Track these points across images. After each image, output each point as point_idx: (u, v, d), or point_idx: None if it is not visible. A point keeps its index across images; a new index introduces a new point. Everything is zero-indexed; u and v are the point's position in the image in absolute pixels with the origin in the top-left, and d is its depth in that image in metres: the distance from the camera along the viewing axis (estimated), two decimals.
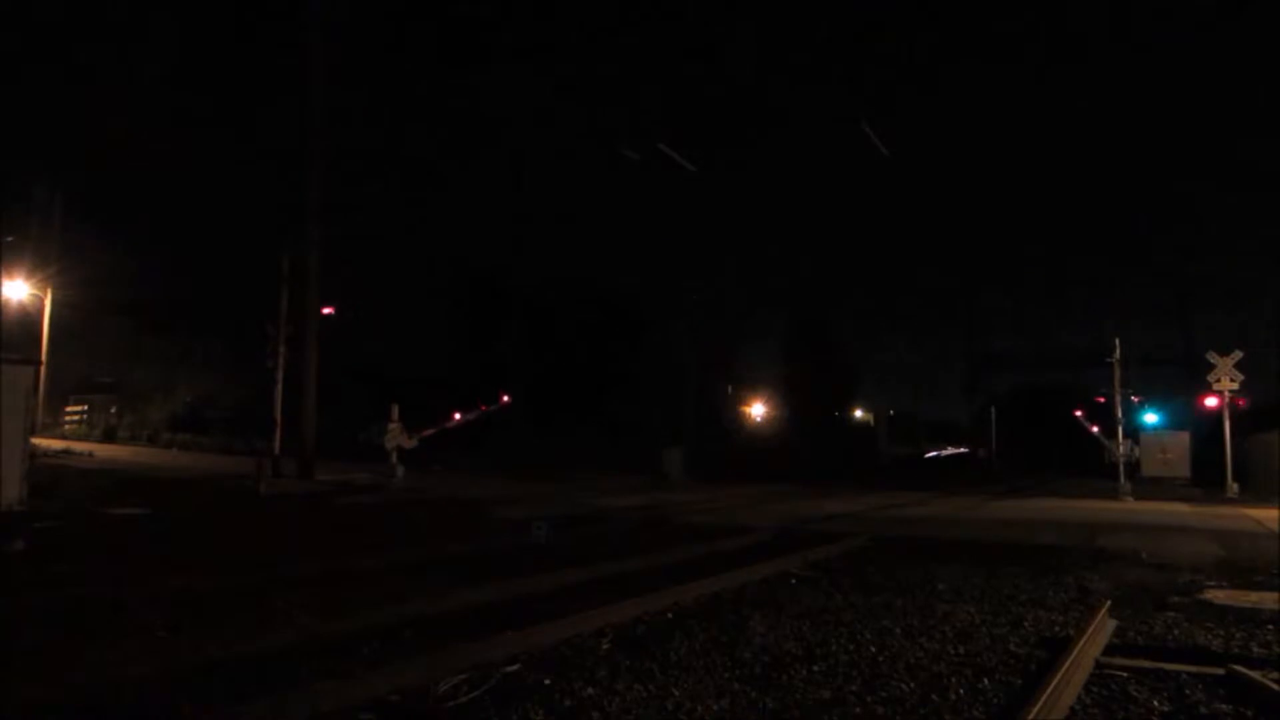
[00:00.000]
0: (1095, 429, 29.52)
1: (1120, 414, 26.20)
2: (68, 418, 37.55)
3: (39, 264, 35.56)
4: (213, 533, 11.89)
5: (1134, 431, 30.92)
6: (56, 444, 27.52)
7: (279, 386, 22.15)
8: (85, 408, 38.27)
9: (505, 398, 32.37)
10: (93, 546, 9.91)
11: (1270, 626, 6.53)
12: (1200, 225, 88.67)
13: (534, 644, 5.30)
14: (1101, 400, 36.20)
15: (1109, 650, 5.59)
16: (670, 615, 6.48)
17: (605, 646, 5.48)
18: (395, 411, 22.05)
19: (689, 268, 57.50)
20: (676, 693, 4.56)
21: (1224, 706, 4.52)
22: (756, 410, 56.01)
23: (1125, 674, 5.03)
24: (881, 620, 6.50)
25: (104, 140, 40.59)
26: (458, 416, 28.83)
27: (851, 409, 69.62)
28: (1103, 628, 6.13)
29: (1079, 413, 32.31)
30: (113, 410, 37.27)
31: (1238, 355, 23.07)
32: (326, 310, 24.06)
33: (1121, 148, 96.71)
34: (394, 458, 21.71)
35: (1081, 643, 5.41)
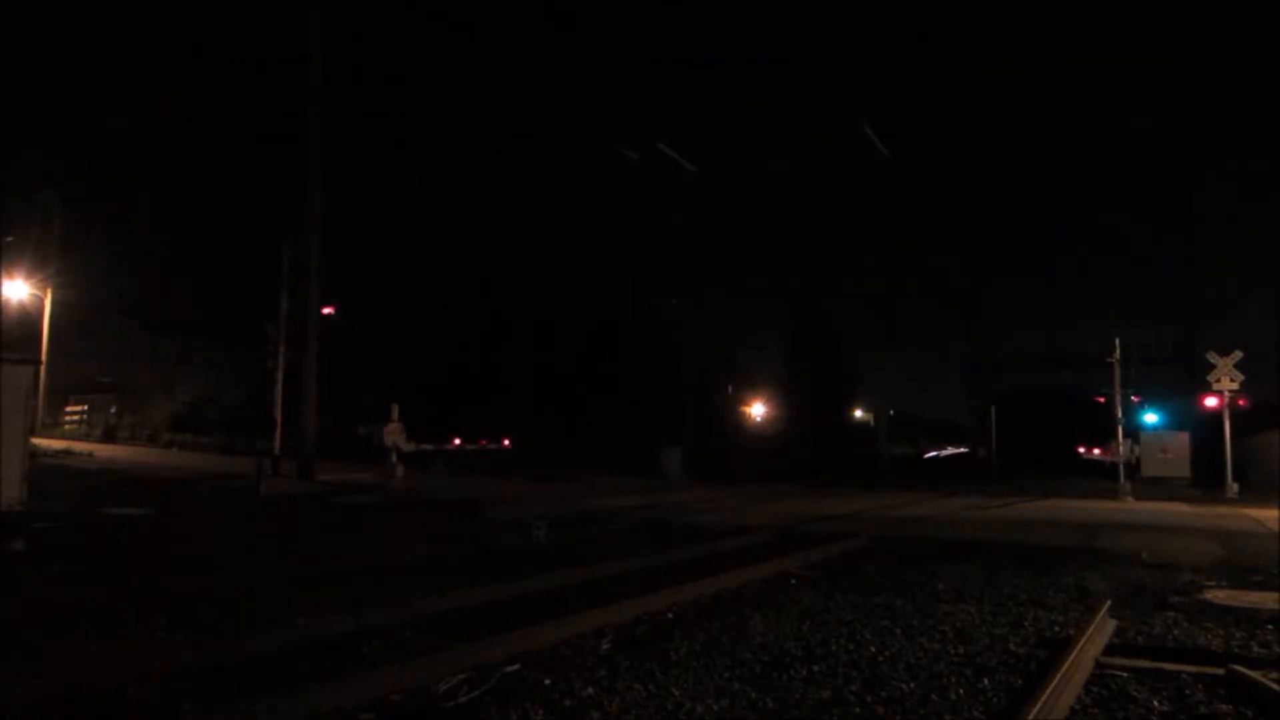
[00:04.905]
0: (1097, 451, 29.63)
1: (1120, 414, 26.19)
2: (68, 418, 37.50)
3: (39, 264, 35.56)
4: (213, 533, 11.89)
5: (1134, 431, 30.92)
6: (56, 444, 27.51)
7: (279, 386, 22.13)
8: (85, 408, 38.21)
9: (506, 441, 32.68)
10: (93, 546, 9.91)
11: (1270, 626, 6.53)
12: (1203, 226, 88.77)
13: (534, 644, 5.30)
14: (1101, 400, 36.23)
15: (1109, 650, 5.59)
16: (670, 615, 6.48)
17: (605, 646, 5.48)
18: (395, 411, 22.06)
19: (689, 268, 57.48)
20: (676, 693, 4.56)
21: (1224, 706, 4.52)
22: (756, 410, 55.97)
23: (1125, 674, 5.03)
24: (881, 620, 6.50)
25: (104, 140, 40.63)
26: (457, 441, 28.98)
27: (851, 409, 69.51)
28: (1103, 628, 6.13)
29: (1080, 448, 32.40)
30: (113, 410, 37.20)
31: (1238, 355, 23.05)
32: (326, 310, 24.04)
33: (1124, 148, 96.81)
34: (394, 458, 21.72)
35: (1081, 643, 5.41)
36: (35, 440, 17.01)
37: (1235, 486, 22.91)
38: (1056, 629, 6.33)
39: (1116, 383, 26.20)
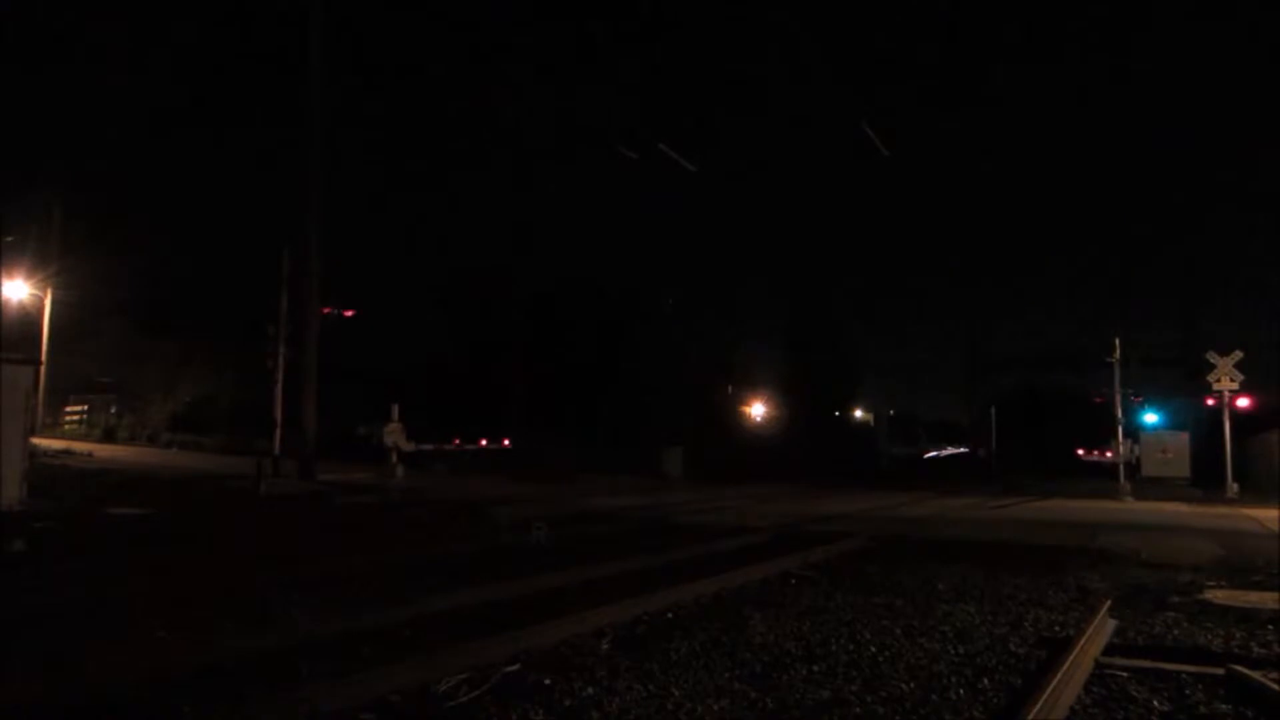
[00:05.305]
0: (1097, 454, 29.71)
1: (1120, 414, 26.19)
2: (68, 418, 37.46)
3: (39, 264, 35.53)
4: (212, 533, 11.88)
5: (1134, 432, 30.93)
6: (56, 444, 27.47)
7: (279, 386, 22.13)
8: (85, 408, 38.16)
9: (506, 441, 32.74)
10: (93, 546, 9.90)
11: (1270, 626, 6.53)
12: (1203, 225, 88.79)
13: (534, 644, 5.30)
14: (1101, 400, 36.27)
15: (1109, 650, 5.59)
16: (670, 615, 6.48)
17: (605, 646, 5.48)
18: (396, 411, 22.04)
19: (689, 267, 57.46)
20: (676, 693, 4.56)
21: (1224, 706, 4.52)
22: (756, 410, 55.91)
23: (1125, 674, 5.03)
24: (881, 620, 6.50)
25: (105, 139, 40.62)
26: (457, 441, 29.04)
27: (851, 409, 69.47)
28: (1103, 628, 6.13)
29: (1080, 451, 32.44)
30: (113, 410, 37.16)
31: (1238, 355, 23.07)
32: (326, 310, 24.02)
33: (1124, 148, 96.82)
34: (394, 458, 21.70)
35: (1081, 643, 5.41)
36: (35, 440, 17.02)
37: (1235, 486, 22.91)
38: (1056, 629, 6.32)
39: (1116, 383, 26.21)
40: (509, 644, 5.17)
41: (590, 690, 4.55)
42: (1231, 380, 22.98)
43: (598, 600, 6.58)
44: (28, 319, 34.39)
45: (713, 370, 49.48)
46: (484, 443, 35.19)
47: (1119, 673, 5.05)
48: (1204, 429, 30.22)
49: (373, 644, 5.38)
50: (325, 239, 23.15)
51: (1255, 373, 24.87)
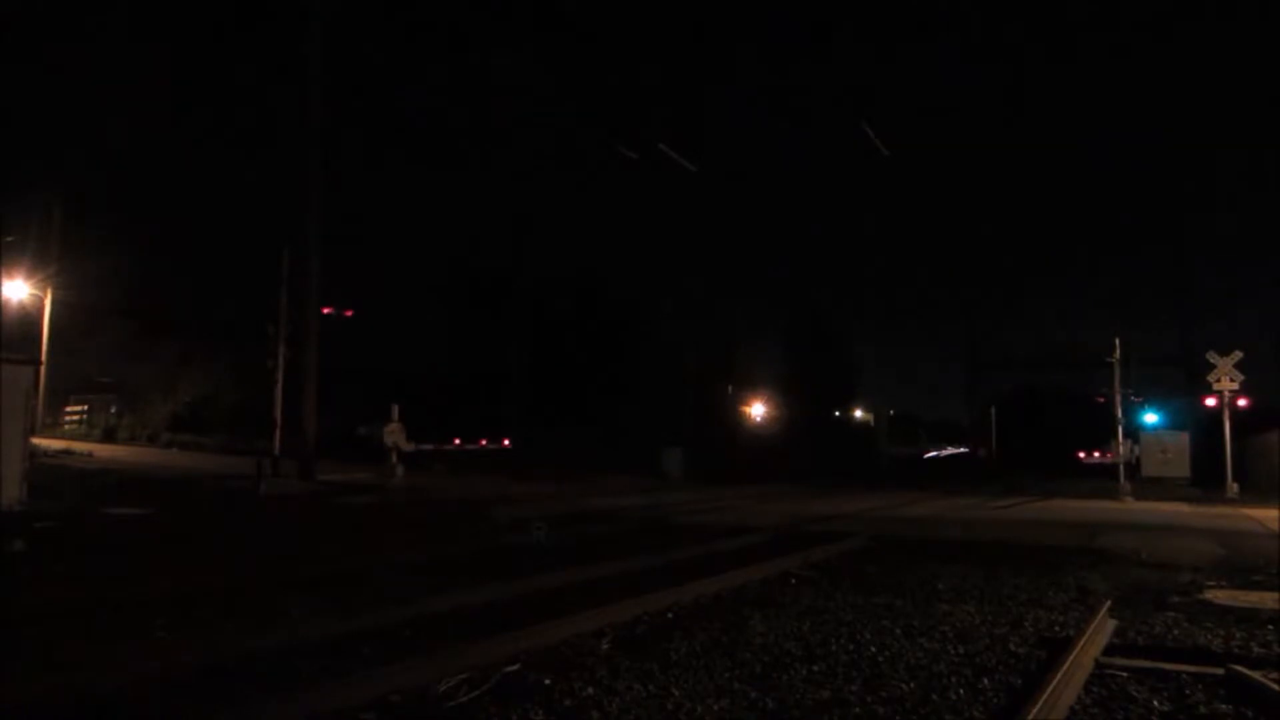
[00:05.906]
0: (1098, 455, 29.77)
1: (1120, 414, 26.19)
2: (68, 418, 37.46)
3: (39, 264, 35.53)
4: (212, 533, 11.89)
5: (1134, 432, 30.93)
6: (56, 444, 27.48)
7: (279, 386, 22.14)
8: (85, 408, 38.14)
9: (506, 441, 32.83)
10: (92, 546, 9.91)
11: (1270, 626, 6.52)
12: (1203, 225, 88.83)
13: (534, 644, 5.30)
14: (1102, 400, 36.29)
15: (1109, 650, 5.59)
16: (670, 615, 6.48)
17: (605, 646, 5.48)
18: (396, 412, 22.05)
19: (689, 268, 57.45)
20: (676, 693, 4.56)
21: (1224, 706, 4.52)
22: (756, 410, 55.87)
23: (1125, 674, 5.02)
24: (881, 620, 6.50)
25: (105, 139, 40.62)
26: (457, 441, 29.12)
27: (851, 409, 69.49)
28: (1103, 628, 6.13)
29: (1081, 454, 32.53)
30: (113, 410, 37.15)
31: (1238, 355, 23.08)
32: (327, 310, 24.02)
33: (1124, 147, 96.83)
34: (394, 458, 21.71)
35: (1081, 643, 5.41)
36: (35, 440, 17.01)
37: (1235, 486, 22.92)
38: (1057, 629, 6.32)
39: (1116, 383, 26.21)
40: (509, 644, 5.17)
41: (590, 690, 4.55)
42: (1231, 380, 22.98)
43: (598, 600, 6.58)
44: (28, 319, 34.38)
45: (713, 370, 49.46)
46: (484, 443, 35.25)
47: (1119, 673, 5.04)
48: (1204, 429, 30.21)
49: (373, 644, 5.38)
50: (325, 239, 23.17)
51: (1255, 373, 24.89)
